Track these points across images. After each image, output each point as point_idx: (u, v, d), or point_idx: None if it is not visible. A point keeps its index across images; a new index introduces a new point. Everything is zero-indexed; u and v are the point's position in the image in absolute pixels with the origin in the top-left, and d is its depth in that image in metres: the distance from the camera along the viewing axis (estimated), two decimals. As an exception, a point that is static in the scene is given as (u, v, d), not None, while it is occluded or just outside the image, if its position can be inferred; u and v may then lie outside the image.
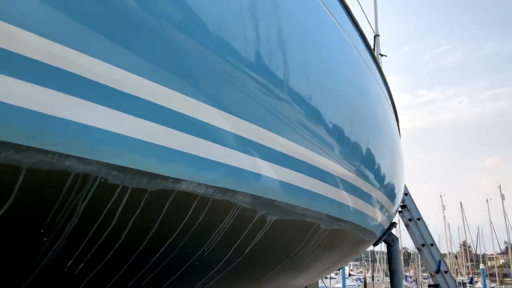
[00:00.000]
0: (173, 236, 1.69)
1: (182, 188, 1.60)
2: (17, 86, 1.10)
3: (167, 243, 1.70)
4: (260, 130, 1.92)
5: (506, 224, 47.37)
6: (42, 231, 1.30)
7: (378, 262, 50.55)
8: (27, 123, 1.14)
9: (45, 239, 1.32)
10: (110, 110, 1.31)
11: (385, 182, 3.97)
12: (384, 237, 5.06)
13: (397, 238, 5.58)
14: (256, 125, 1.90)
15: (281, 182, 2.09)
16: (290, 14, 2.29)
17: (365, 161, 3.23)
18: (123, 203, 1.44)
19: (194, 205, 1.68)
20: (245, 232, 2.03)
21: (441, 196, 55.80)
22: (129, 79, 1.37)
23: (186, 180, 1.59)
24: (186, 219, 1.68)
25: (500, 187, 46.81)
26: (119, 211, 1.44)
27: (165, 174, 1.52)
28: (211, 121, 1.66)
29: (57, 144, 1.20)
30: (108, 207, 1.41)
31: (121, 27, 1.35)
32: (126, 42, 1.34)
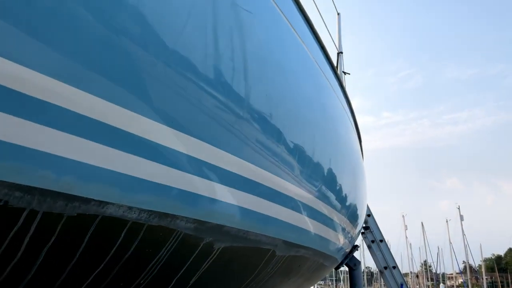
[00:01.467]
0: (98, 270, 1.44)
1: (109, 213, 1.36)
2: None
3: (92, 276, 1.45)
4: (208, 147, 1.72)
5: (464, 244, 48.66)
6: None
7: (342, 282, 50.61)
8: None
9: None
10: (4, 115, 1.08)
11: (347, 204, 3.83)
12: (346, 261, 4.91)
13: (359, 262, 5.43)
14: (204, 141, 1.70)
15: (231, 205, 1.88)
16: (251, 29, 2.13)
17: (326, 183, 3.07)
18: (32, 230, 1.19)
19: (123, 232, 1.44)
20: (189, 261, 1.80)
21: (403, 216, 56.90)
22: (25, 74, 1.15)
23: (113, 203, 1.36)
24: (114, 249, 1.44)
25: (459, 208, 48.22)
26: (26, 240, 1.19)
27: (85, 196, 1.28)
28: (148, 135, 1.45)
29: None
30: (11, 234, 1.16)
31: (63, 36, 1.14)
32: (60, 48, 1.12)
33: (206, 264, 1.89)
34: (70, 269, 1.36)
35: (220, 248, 1.90)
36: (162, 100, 1.52)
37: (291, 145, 2.45)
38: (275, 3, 2.51)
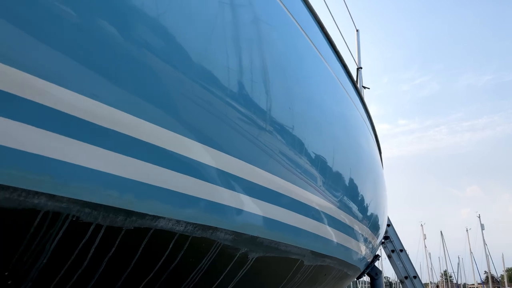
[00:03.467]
0: (149, 278, 1.60)
1: (160, 226, 1.52)
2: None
3: (143, 283, 1.60)
4: (242, 164, 1.87)
5: (486, 254, 47.70)
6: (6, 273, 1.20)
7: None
8: (-7, 158, 1.06)
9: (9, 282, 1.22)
10: (83, 144, 1.24)
11: (369, 215, 3.92)
12: (368, 270, 4.98)
13: (380, 271, 5.50)
14: (238, 158, 1.84)
15: (264, 218, 2.02)
16: (273, 45, 2.28)
17: (349, 194, 3.19)
18: (97, 242, 1.35)
19: (172, 243, 1.60)
20: (226, 270, 1.94)
21: (422, 226, 56.13)
22: (103, 112, 1.31)
23: (164, 217, 1.52)
24: (163, 258, 1.60)
25: (479, 217, 47.37)
26: (92, 250, 1.35)
27: (142, 211, 1.44)
28: (191, 154, 1.60)
29: (24, 180, 1.12)
30: (80, 245, 1.32)
31: (99, 56, 1.30)
32: (104, 72, 1.29)
33: (241, 273, 2.03)
34: (126, 276, 1.52)
35: (254, 258, 2.04)
36: (198, 119, 1.67)
37: (317, 159, 2.58)
38: (295, 19, 2.65)
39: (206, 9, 1.75)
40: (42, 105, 1.13)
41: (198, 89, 1.63)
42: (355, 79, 4.17)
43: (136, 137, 1.38)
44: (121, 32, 1.35)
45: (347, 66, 3.80)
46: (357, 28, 5.21)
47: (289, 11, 2.56)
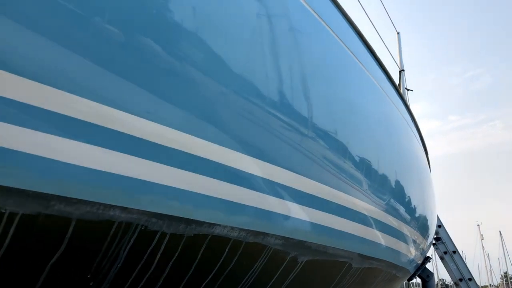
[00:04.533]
0: (207, 280, 1.75)
1: (217, 232, 1.67)
2: (69, 145, 1.22)
3: (202, 285, 1.75)
4: (288, 173, 1.99)
5: (550, 255, 44.80)
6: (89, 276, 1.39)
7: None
8: (78, 178, 1.24)
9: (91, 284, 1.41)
10: (149, 162, 1.41)
11: (417, 217, 3.92)
12: (419, 272, 4.93)
13: (432, 273, 5.41)
14: (284, 168, 1.97)
15: (311, 223, 2.13)
16: (311, 53, 2.37)
17: (395, 197, 3.22)
18: (162, 248, 1.52)
19: (227, 249, 1.74)
20: (277, 274, 2.06)
21: (478, 225, 53.69)
22: (162, 131, 1.48)
23: (220, 225, 1.66)
24: (220, 262, 1.74)
25: (541, 215, 44.60)
26: (158, 256, 1.52)
27: (200, 219, 1.59)
28: (242, 166, 1.74)
29: (102, 195, 1.30)
30: (148, 252, 1.49)
31: (153, 81, 1.46)
32: (160, 96, 1.46)
33: (292, 275, 2.15)
34: (187, 279, 1.68)
35: (303, 262, 2.15)
36: (247, 133, 1.81)
37: (360, 163, 2.66)
38: (331, 29, 2.73)
39: (247, 25, 1.89)
40: (121, 132, 1.32)
41: (250, 106, 1.77)
42: (397, 82, 4.18)
43: (194, 153, 1.54)
44: (179, 59, 1.52)
45: (387, 71, 3.83)
46: (397, 31, 5.19)
47: (325, 22, 2.66)
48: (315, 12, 2.50)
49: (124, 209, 1.36)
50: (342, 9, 3.01)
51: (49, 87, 1.18)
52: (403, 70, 5.00)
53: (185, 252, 1.60)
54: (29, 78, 1.14)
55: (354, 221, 2.50)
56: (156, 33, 1.45)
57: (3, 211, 1.14)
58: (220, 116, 1.69)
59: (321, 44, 2.56)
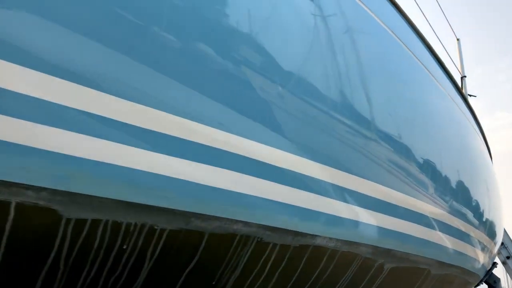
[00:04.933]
0: (307, 286, 1.89)
1: (317, 243, 1.81)
2: (206, 171, 1.40)
3: None
4: (376, 186, 2.10)
5: None
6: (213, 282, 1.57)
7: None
8: (212, 198, 1.42)
9: (213, 290, 1.59)
10: (267, 182, 1.57)
11: (487, 223, 3.90)
12: (486, 278, 4.86)
13: (499, 279, 5.31)
14: (373, 182, 2.08)
15: (397, 232, 2.23)
16: (375, 56, 2.40)
17: (467, 203, 3.25)
18: (272, 257, 1.68)
19: (325, 257, 1.88)
20: (366, 280, 2.18)
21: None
22: (273, 153, 1.64)
23: (320, 236, 1.81)
24: (318, 270, 1.88)
25: None
26: (269, 264, 1.68)
27: (304, 231, 1.74)
28: (339, 182, 1.88)
29: (229, 212, 1.48)
30: (261, 261, 1.65)
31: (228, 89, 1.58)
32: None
33: (378, 282, 2.26)
34: (291, 285, 1.83)
35: (389, 268, 2.25)
36: (336, 147, 1.94)
37: (437, 172, 2.72)
38: (396, 35, 2.78)
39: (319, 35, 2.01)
40: (246, 157, 1.49)
41: (341, 127, 1.90)
42: (460, 87, 4.17)
43: (302, 172, 1.69)
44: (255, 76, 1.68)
45: (449, 72, 3.83)
46: (457, 38, 5.14)
47: (390, 28, 2.72)
48: (377, 17, 2.55)
49: (246, 223, 1.53)
50: (408, 17, 3.07)
51: (190, 121, 1.36)
52: (465, 76, 4.95)
53: (291, 261, 1.75)
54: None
55: (433, 229, 2.57)
56: (229, 48, 1.54)
57: (155, 227, 1.33)
58: (315, 136, 1.83)
59: (386, 49, 2.64)
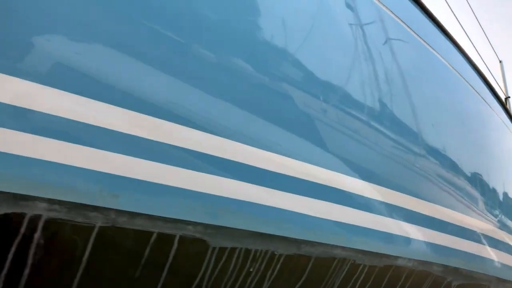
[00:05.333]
0: (387, 302, 2.09)
1: (398, 263, 2.01)
2: (318, 205, 1.62)
3: None
4: (441, 209, 2.29)
5: None
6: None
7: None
8: (320, 227, 1.65)
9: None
10: (359, 211, 1.79)
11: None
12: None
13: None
14: (437, 204, 2.27)
15: (462, 251, 2.41)
16: (416, 71, 2.54)
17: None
18: (361, 277, 1.89)
19: (404, 276, 2.07)
20: (435, 296, 2.36)
21: None
22: (359, 185, 1.85)
23: (401, 257, 2.00)
24: (397, 287, 2.08)
25: None
26: (358, 283, 1.89)
27: (388, 253, 1.94)
28: (415, 208, 2.07)
29: (332, 239, 1.70)
30: (352, 281, 1.86)
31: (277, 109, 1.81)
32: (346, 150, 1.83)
33: (446, 298, 2.43)
34: (373, 302, 2.03)
35: (455, 286, 2.43)
36: (411, 174, 2.14)
37: (493, 191, 2.88)
38: (439, 54, 2.93)
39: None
40: (342, 190, 1.71)
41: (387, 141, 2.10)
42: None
43: (387, 201, 1.90)
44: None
45: (497, 94, 3.97)
46: (500, 60, 5.26)
47: (437, 51, 2.87)
48: (417, 35, 2.68)
49: (343, 248, 1.75)
50: (454, 39, 3.24)
51: (307, 163, 1.59)
52: (509, 97, 5.05)
53: (376, 280, 1.96)
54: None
55: (492, 247, 2.73)
56: (293, 78, 1.77)
57: (275, 253, 1.56)
58: (390, 165, 2.04)
59: (436, 71, 2.80)
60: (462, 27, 4.29)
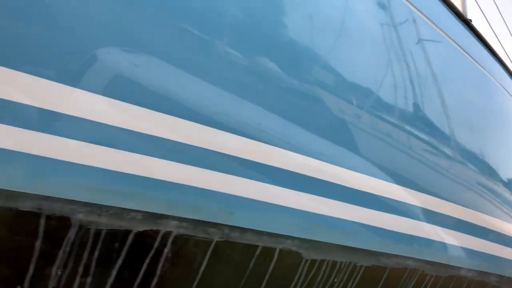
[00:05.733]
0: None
1: (461, 274, 2.10)
2: (394, 220, 1.73)
3: None
4: (499, 223, 2.38)
5: None
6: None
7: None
8: (395, 241, 1.76)
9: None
10: (430, 225, 1.89)
11: None
12: None
13: None
14: (498, 218, 2.36)
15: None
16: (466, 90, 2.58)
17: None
18: (428, 286, 1.99)
19: (465, 285, 2.17)
20: (490, 304, 2.45)
21: None
22: (431, 201, 1.95)
23: (463, 268, 2.10)
24: (458, 297, 2.18)
25: None
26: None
27: (451, 264, 2.04)
28: (477, 221, 2.17)
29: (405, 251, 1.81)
30: (420, 290, 1.97)
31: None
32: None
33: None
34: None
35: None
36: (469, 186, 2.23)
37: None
38: (479, 63, 2.95)
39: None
40: (415, 205, 1.82)
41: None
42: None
43: (454, 216, 2.00)
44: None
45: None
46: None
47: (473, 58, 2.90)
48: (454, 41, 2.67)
49: (414, 259, 1.85)
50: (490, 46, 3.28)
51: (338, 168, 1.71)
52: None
53: (437, 288, 2.06)
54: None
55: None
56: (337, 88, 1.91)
57: (357, 264, 1.67)
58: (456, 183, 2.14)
59: (473, 79, 2.83)
60: (491, 27, 4.37)
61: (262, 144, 1.35)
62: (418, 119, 2.04)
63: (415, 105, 2.05)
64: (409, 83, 2.03)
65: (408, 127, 1.91)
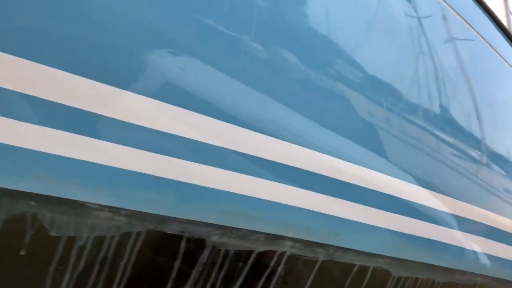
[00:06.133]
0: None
1: (479, 281, 2.14)
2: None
3: None
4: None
5: None
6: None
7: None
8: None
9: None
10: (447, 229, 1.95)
11: None
12: None
13: None
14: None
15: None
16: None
17: None
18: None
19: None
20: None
21: None
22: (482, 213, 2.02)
23: (482, 274, 2.12)
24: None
25: None
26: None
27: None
28: (498, 224, 2.21)
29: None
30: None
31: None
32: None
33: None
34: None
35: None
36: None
37: None
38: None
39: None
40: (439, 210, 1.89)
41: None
42: None
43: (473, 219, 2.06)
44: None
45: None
46: None
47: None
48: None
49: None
50: None
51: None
52: None
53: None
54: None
55: None
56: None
57: (435, 281, 1.75)
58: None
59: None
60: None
61: (363, 168, 1.42)
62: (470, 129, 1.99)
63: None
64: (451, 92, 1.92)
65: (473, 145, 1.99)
